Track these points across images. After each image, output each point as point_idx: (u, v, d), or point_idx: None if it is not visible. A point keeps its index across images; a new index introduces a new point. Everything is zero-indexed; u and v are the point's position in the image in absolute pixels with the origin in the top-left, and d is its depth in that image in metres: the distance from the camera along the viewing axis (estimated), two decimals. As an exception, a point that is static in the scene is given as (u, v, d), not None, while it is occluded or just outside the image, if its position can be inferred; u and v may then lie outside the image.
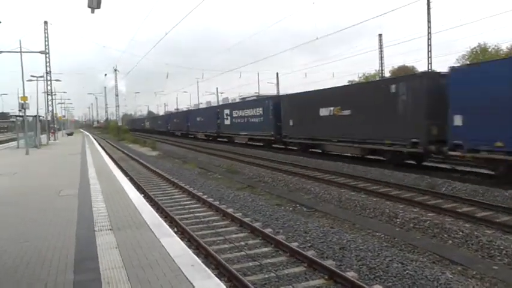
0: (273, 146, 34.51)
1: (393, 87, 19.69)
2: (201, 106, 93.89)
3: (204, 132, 53.11)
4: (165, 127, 76.94)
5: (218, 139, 47.38)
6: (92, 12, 7.01)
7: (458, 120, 15.69)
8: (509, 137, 14.05)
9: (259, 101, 38.55)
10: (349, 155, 24.53)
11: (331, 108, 24.90)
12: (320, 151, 27.48)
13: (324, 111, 25.60)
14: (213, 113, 48.22)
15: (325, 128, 25.37)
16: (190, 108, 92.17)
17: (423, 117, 17.78)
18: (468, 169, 17.86)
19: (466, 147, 15.56)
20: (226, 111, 43.59)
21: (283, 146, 33.17)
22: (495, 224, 10.53)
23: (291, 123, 30.10)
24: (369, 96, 21.53)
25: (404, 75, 31.12)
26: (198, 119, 55.57)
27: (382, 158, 21.57)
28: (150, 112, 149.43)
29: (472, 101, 14.99)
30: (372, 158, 22.65)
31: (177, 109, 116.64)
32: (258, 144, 36.69)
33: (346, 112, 23.51)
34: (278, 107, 32.43)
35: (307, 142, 28.32)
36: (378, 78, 64.74)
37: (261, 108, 35.61)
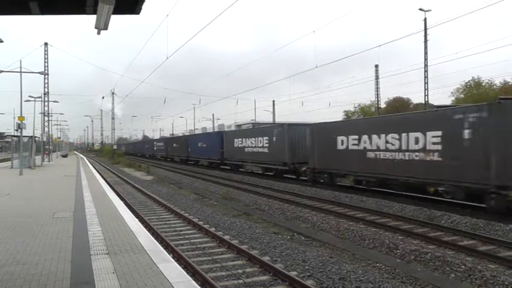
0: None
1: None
2: (196, 132, 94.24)
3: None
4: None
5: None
6: (98, 33, 6.94)
7: None
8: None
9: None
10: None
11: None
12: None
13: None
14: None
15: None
16: (186, 134, 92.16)
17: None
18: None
19: None
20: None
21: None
22: (498, 258, 10.36)
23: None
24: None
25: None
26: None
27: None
28: (145, 136, 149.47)
29: None
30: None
31: (172, 134, 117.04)
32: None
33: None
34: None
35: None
36: (373, 109, 65.28)
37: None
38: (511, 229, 13.04)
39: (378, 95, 60.78)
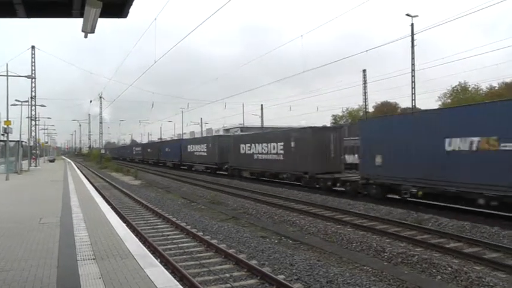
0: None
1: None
2: (184, 136, 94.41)
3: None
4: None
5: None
6: (85, 36, 6.92)
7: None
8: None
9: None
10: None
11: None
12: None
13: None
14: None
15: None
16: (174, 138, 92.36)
17: None
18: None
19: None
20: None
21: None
22: (484, 260, 10.49)
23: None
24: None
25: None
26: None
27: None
28: (133, 141, 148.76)
29: None
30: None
31: (160, 138, 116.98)
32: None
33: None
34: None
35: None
36: (361, 113, 65.67)
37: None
38: (496, 231, 13.20)
39: (365, 99, 61.02)
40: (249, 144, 34.52)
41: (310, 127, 29.03)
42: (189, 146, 51.27)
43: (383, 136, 19.77)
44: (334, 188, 24.26)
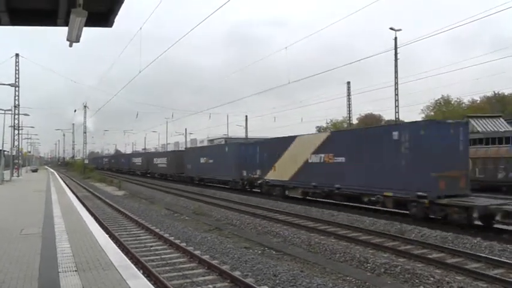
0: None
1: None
2: (169, 147, 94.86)
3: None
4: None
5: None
6: (70, 45, 6.90)
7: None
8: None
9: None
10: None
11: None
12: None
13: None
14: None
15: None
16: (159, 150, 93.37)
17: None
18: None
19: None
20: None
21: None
22: (465, 270, 10.61)
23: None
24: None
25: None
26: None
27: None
28: (117, 151, 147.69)
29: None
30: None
31: (145, 149, 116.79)
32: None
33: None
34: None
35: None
36: (345, 125, 66.06)
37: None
38: (478, 242, 13.34)
39: (349, 111, 61.34)
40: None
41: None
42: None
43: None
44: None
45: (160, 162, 60.09)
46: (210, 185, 41.93)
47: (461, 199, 16.49)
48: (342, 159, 21.97)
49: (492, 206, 15.28)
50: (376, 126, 33.50)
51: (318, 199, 25.07)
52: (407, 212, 17.99)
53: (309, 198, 25.79)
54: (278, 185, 28.33)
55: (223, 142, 62.18)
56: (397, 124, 29.00)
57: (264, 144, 32.63)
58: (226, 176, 37.64)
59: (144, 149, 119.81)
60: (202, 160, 43.58)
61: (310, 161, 24.44)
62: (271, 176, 29.04)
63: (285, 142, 27.74)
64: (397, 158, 18.30)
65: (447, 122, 19.90)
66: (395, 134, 18.56)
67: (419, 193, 16.88)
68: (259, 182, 31.29)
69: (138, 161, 75.25)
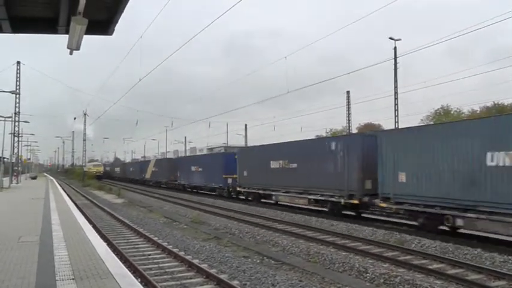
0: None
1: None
2: (168, 155, 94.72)
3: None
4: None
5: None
6: (71, 53, 6.91)
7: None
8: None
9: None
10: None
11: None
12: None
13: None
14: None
15: None
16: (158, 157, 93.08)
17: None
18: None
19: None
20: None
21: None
22: (466, 281, 10.54)
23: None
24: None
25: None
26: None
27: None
28: (116, 158, 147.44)
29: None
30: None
31: (144, 157, 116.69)
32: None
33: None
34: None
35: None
36: (345, 134, 66.08)
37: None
38: (479, 253, 13.30)
39: (349, 120, 61.39)
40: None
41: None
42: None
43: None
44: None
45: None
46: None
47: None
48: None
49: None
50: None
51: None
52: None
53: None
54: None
55: (222, 151, 62.25)
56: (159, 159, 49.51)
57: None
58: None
59: (144, 157, 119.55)
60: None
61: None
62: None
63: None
64: (163, 169, 45.09)
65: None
66: (162, 161, 41.44)
67: (165, 179, 42.10)
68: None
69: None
